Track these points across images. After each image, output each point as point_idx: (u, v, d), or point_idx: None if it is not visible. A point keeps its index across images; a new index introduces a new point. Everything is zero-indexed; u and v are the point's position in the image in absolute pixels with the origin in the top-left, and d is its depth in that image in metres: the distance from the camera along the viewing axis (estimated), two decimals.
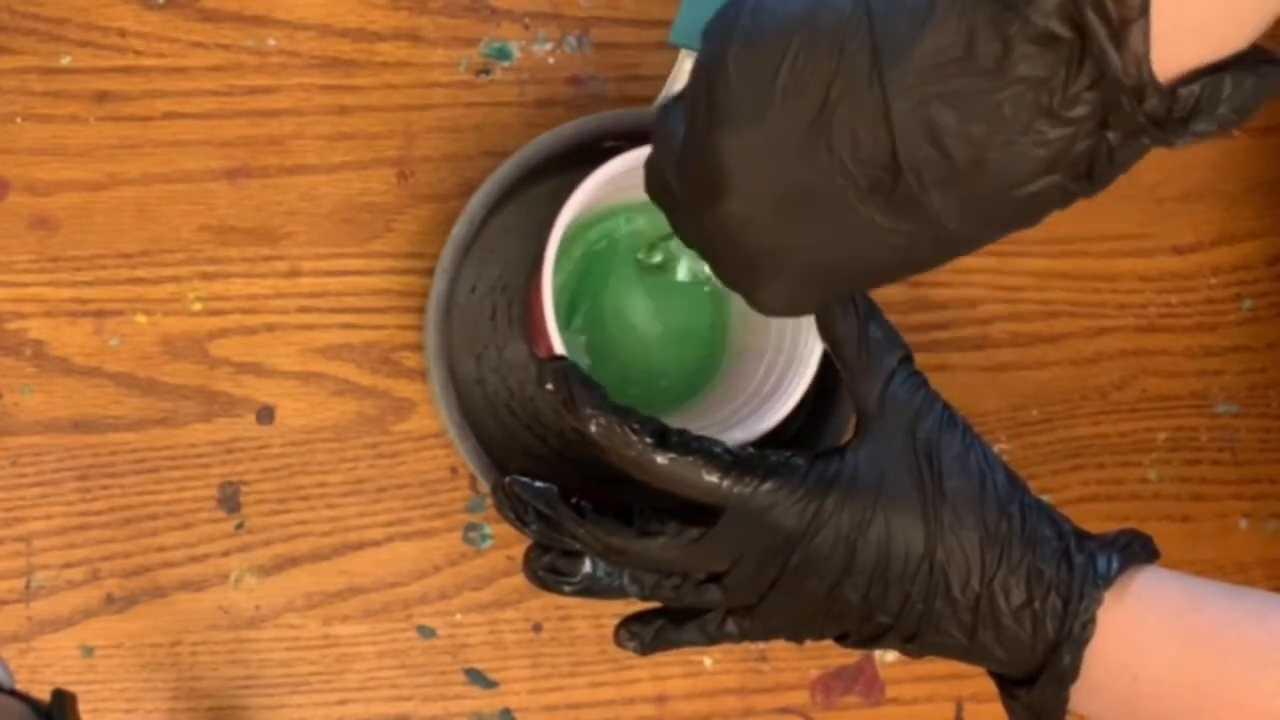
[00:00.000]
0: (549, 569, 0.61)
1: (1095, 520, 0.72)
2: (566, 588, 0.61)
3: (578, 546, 0.61)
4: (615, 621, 0.63)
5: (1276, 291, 0.78)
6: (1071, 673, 0.58)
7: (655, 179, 0.57)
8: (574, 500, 0.61)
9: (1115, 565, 0.58)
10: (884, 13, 0.49)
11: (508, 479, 0.61)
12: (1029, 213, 0.50)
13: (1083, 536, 0.60)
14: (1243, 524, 0.77)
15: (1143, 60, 0.46)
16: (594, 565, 0.61)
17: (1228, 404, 0.78)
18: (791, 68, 0.50)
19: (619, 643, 0.62)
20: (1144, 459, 0.77)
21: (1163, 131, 0.47)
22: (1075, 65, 0.46)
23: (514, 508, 0.61)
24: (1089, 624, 0.57)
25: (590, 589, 0.61)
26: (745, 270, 0.55)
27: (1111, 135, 0.48)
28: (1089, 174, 0.49)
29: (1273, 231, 0.79)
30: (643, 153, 0.63)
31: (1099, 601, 0.58)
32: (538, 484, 0.61)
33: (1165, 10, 0.46)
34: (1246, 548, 0.77)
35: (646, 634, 0.62)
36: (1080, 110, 0.47)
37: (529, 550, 0.62)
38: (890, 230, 0.51)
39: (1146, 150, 0.49)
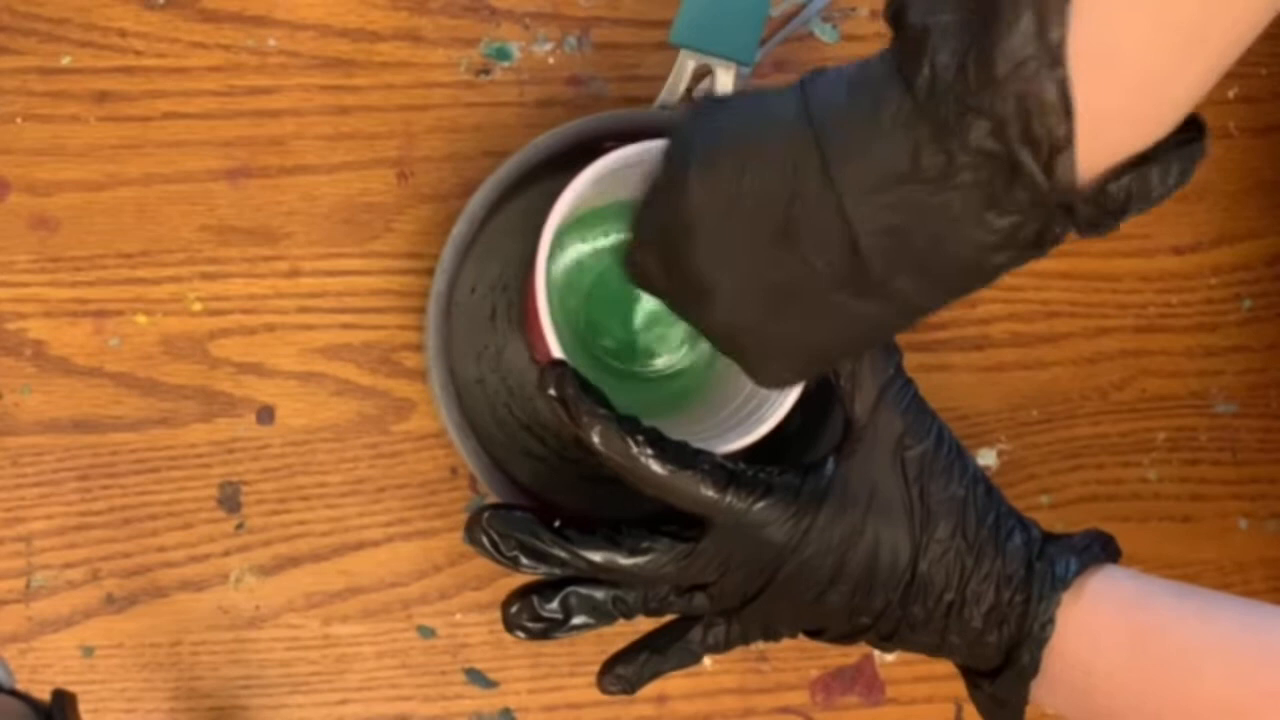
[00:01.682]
0: (533, 619, 0.62)
1: (1095, 520, 0.73)
2: (557, 634, 0.63)
3: (560, 572, 0.62)
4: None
5: (1276, 291, 0.78)
6: (1031, 669, 0.61)
7: (634, 269, 0.60)
8: (556, 524, 0.62)
9: (1074, 567, 0.61)
10: (829, 125, 0.52)
11: (485, 515, 0.62)
12: (987, 279, 0.53)
13: (1047, 540, 0.62)
14: (1243, 524, 0.77)
15: (1070, 185, 0.48)
16: (572, 609, 0.62)
17: (1228, 404, 0.78)
18: (750, 180, 0.54)
19: (604, 690, 0.64)
20: (1144, 459, 0.77)
21: (1098, 229, 0.50)
22: (1012, 172, 0.49)
23: (491, 542, 0.62)
24: (1048, 624, 0.61)
25: (576, 629, 0.63)
26: (743, 357, 0.58)
27: (1050, 222, 0.50)
28: (1039, 245, 0.51)
29: (1273, 231, 0.79)
30: (632, 150, 0.63)
31: (1058, 603, 0.61)
32: (517, 513, 0.62)
33: (1091, 107, 0.48)
34: (1246, 548, 0.77)
35: (631, 673, 0.64)
36: (1023, 201, 0.49)
37: (506, 602, 0.63)
38: (862, 312, 0.54)
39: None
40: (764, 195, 0.53)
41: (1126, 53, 0.47)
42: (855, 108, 0.51)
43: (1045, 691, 0.62)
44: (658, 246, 0.58)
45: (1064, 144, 0.48)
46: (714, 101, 0.57)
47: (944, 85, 0.48)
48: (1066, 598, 0.61)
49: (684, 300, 0.58)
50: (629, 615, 0.63)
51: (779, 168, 0.53)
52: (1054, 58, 0.46)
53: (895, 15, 0.50)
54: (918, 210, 0.50)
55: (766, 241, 0.53)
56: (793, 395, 0.65)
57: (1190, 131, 0.50)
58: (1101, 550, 0.62)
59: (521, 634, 0.63)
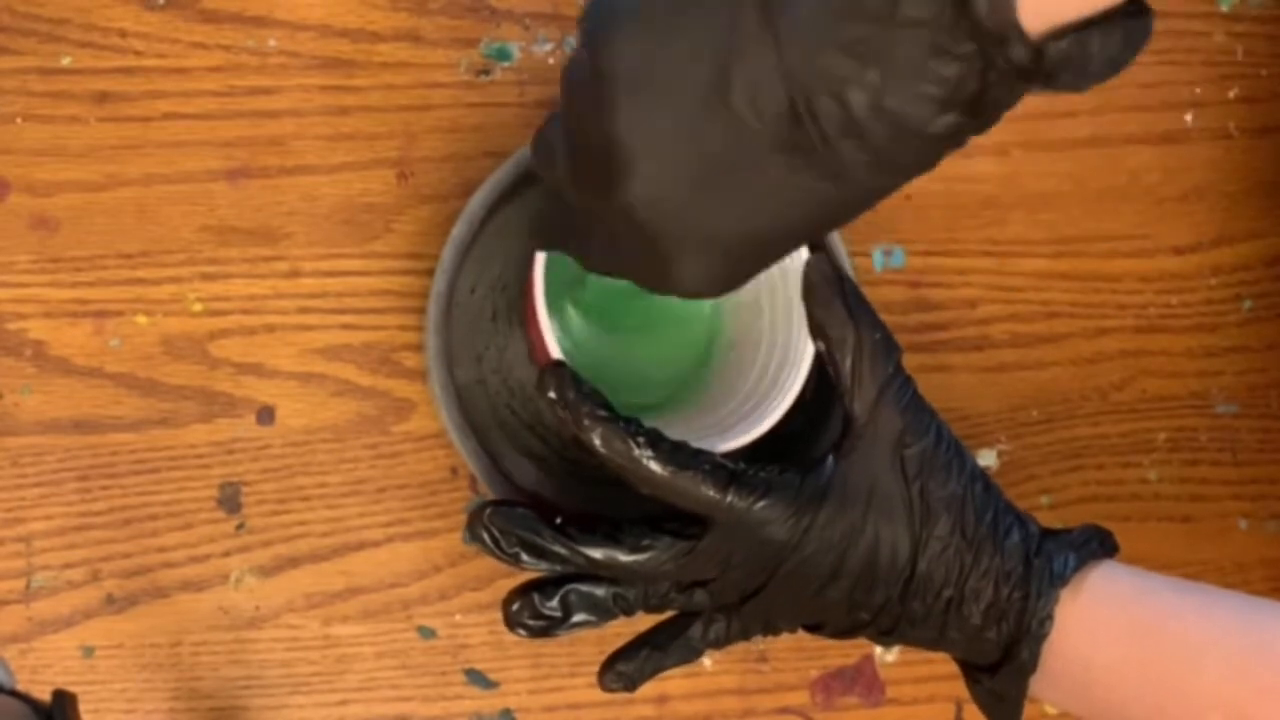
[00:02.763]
0: (534, 616, 0.62)
1: (1095, 521, 0.72)
2: (558, 631, 0.63)
3: (560, 569, 0.62)
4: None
5: (1276, 292, 0.78)
6: (1030, 665, 0.61)
7: (543, 222, 0.58)
8: (558, 521, 0.62)
9: (1072, 563, 0.61)
10: None
11: (488, 511, 0.62)
12: (929, 154, 0.50)
13: (1046, 536, 0.62)
14: (1243, 524, 0.77)
15: (1006, 10, 0.46)
16: (573, 606, 0.62)
17: (1228, 404, 0.78)
18: (681, 31, 0.50)
19: (605, 687, 0.64)
20: (1144, 459, 0.77)
21: (1030, 82, 0.48)
22: (957, 6, 0.47)
23: (492, 539, 0.62)
24: (1046, 621, 0.61)
25: (577, 626, 0.63)
26: (661, 258, 0.53)
27: (991, 77, 0.48)
28: (980, 112, 0.49)
29: (1273, 231, 0.79)
30: None
31: (1056, 599, 0.61)
32: (518, 510, 0.62)
33: None
34: (1246, 548, 0.77)
35: (632, 670, 0.64)
36: (968, 47, 0.47)
37: (507, 600, 0.63)
38: (801, 187, 0.50)
39: (1022, 93, 0.49)
40: (696, 48, 0.49)
41: None
42: None
43: (1044, 687, 0.62)
44: (573, 115, 0.53)
45: None
46: None
47: None
48: (1065, 594, 0.61)
49: (596, 193, 0.52)
50: (629, 612, 0.63)
51: (713, 17, 0.49)
52: None
53: None
54: (859, 55, 0.47)
55: (697, 100, 0.49)
56: (792, 392, 0.65)
57: (1136, 7, 0.48)
58: (1099, 546, 0.63)
59: (523, 632, 0.63)
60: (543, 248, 0.59)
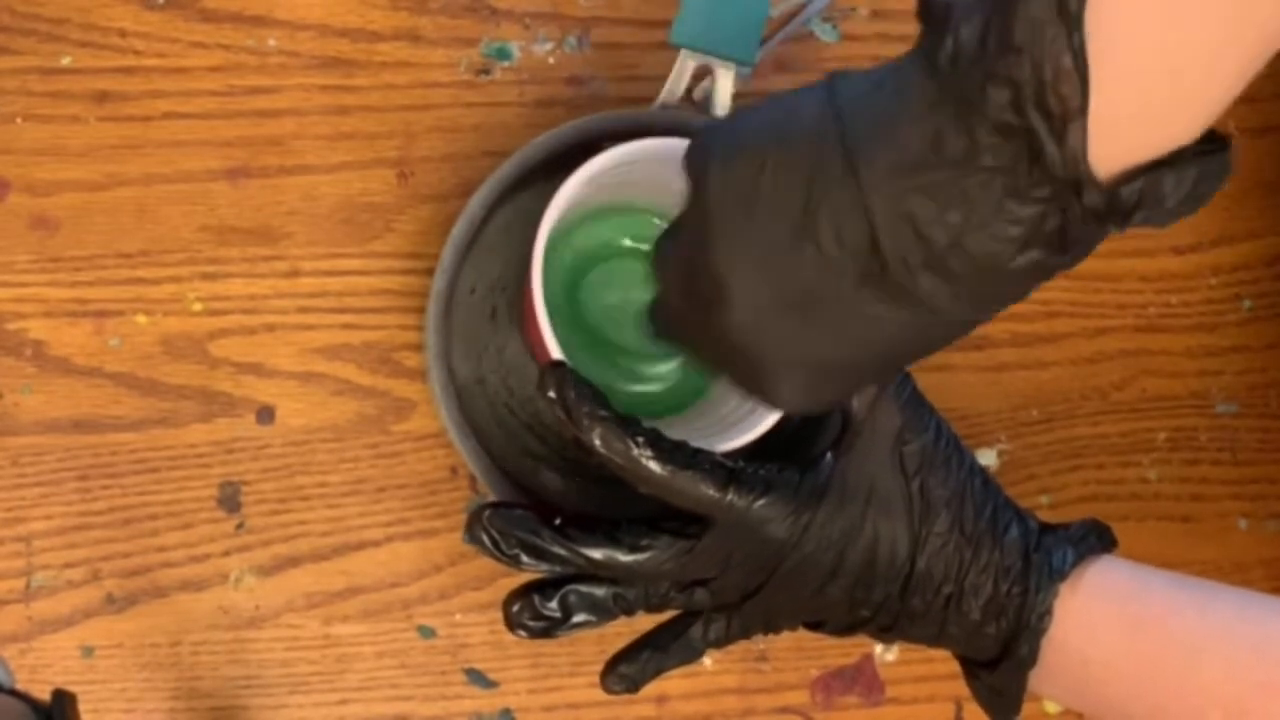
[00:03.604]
0: (534, 617, 0.63)
1: None
2: (558, 632, 0.63)
3: (560, 570, 0.62)
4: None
5: (1276, 291, 0.78)
6: (1029, 660, 0.62)
7: (660, 317, 0.59)
8: (557, 522, 0.62)
9: (1071, 559, 0.62)
10: (853, 116, 0.51)
11: (487, 513, 0.62)
12: (1015, 288, 0.52)
13: (1044, 531, 0.63)
14: (1243, 524, 0.77)
15: (1080, 157, 0.47)
16: (573, 607, 0.63)
17: (1228, 404, 0.78)
18: (771, 173, 0.52)
19: (608, 689, 0.65)
20: (1144, 459, 0.77)
21: (1107, 223, 0.49)
22: (1032, 153, 0.48)
23: (492, 540, 0.62)
24: (1045, 616, 0.61)
25: (577, 627, 0.63)
26: (760, 376, 0.56)
27: (1070, 218, 0.49)
28: (1064, 249, 0.50)
29: (1273, 231, 0.79)
30: (623, 150, 0.63)
31: (1055, 594, 0.61)
32: (517, 512, 0.62)
33: (1112, 104, 0.47)
34: (1246, 548, 0.77)
35: (634, 671, 0.64)
36: (1044, 191, 0.48)
37: (507, 601, 0.63)
38: (887, 319, 0.52)
39: (1109, 232, 0.50)
40: (785, 189, 0.52)
41: (1143, 39, 0.47)
42: (879, 96, 0.51)
43: (1043, 681, 0.62)
44: (678, 258, 0.56)
45: (1076, 113, 0.47)
46: (740, 110, 0.56)
47: (966, 59, 0.48)
48: (1064, 589, 0.61)
49: (700, 313, 0.56)
50: (630, 612, 0.63)
51: (800, 161, 0.52)
52: (1072, 25, 0.46)
53: (921, 2, 0.50)
54: (939, 198, 0.49)
55: (786, 237, 0.52)
56: None
57: (1214, 144, 0.49)
58: (1098, 541, 0.63)
59: (523, 633, 0.63)
60: (658, 337, 0.61)
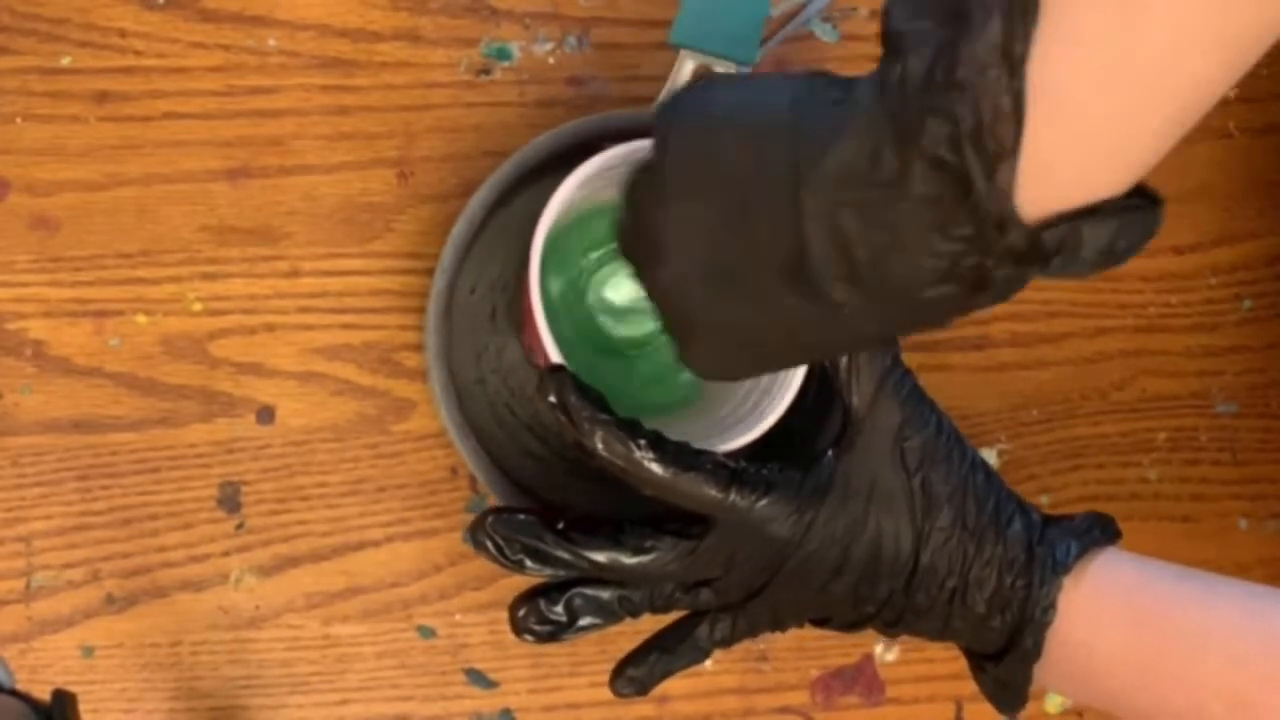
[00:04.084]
0: (540, 621, 0.63)
1: None
2: (565, 635, 0.63)
3: (565, 573, 0.62)
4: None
5: (1276, 291, 0.79)
6: (1034, 653, 0.62)
7: (620, 238, 0.60)
8: (559, 526, 0.62)
9: (1074, 551, 0.62)
10: (809, 120, 0.52)
11: (490, 519, 0.62)
12: (929, 315, 0.53)
13: (1047, 524, 0.63)
14: (1243, 524, 0.77)
15: (1006, 196, 0.48)
16: (578, 610, 0.63)
17: (1228, 404, 0.78)
18: (722, 156, 0.54)
19: (617, 693, 0.65)
20: (1144, 459, 0.77)
21: (1027, 266, 0.50)
22: (960, 189, 0.49)
23: (496, 546, 0.62)
24: (1049, 609, 0.61)
25: (583, 630, 0.63)
26: (681, 333, 0.58)
27: (988, 259, 0.50)
28: (981, 288, 0.51)
29: (1273, 231, 0.79)
30: (618, 151, 0.63)
31: (1059, 587, 0.62)
32: (520, 516, 0.62)
33: (1044, 148, 0.48)
34: (1246, 548, 0.77)
35: (643, 674, 0.65)
36: (966, 230, 0.49)
37: (513, 606, 0.63)
38: (800, 314, 0.53)
39: (1028, 278, 0.51)
40: (735, 170, 0.53)
41: (1080, 94, 0.48)
42: (833, 105, 0.52)
43: (1048, 674, 0.62)
44: (636, 200, 0.58)
45: (1009, 153, 0.48)
46: (722, 76, 0.57)
47: (912, 87, 0.49)
48: (1067, 582, 0.62)
49: (641, 259, 0.57)
50: (635, 614, 0.63)
51: (753, 150, 0.53)
52: (1014, 70, 0.47)
53: (882, 22, 0.51)
54: (867, 217, 0.50)
55: (723, 216, 0.54)
56: (792, 390, 0.65)
57: (1143, 200, 0.50)
58: (1101, 533, 0.63)
59: (530, 637, 0.63)
60: (620, 252, 0.61)
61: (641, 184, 0.57)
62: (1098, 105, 0.48)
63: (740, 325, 0.55)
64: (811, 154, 0.51)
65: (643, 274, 0.58)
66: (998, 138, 0.48)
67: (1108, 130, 0.49)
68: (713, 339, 0.57)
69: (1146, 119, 0.49)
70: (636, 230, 0.58)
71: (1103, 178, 0.49)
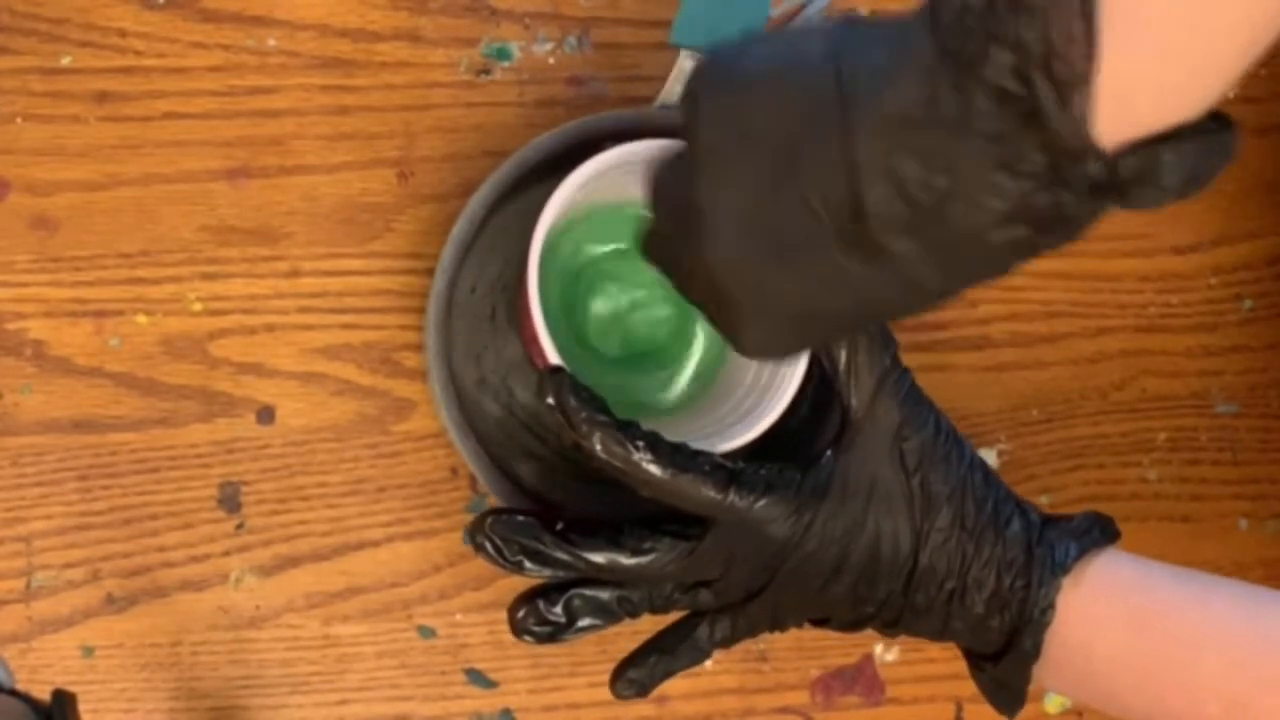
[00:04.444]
0: (540, 622, 0.63)
1: None
2: (564, 636, 0.63)
3: (564, 574, 0.62)
4: None
5: (1276, 291, 0.78)
6: (1033, 654, 0.62)
7: (651, 245, 0.59)
8: (558, 527, 0.62)
9: (1073, 552, 0.62)
10: (852, 69, 0.50)
11: (489, 520, 0.62)
12: (993, 262, 0.51)
13: (1046, 524, 0.63)
14: (1243, 524, 0.77)
15: (1082, 124, 0.46)
16: (578, 611, 0.63)
17: (1228, 404, 0.78)
18: (764, 113, 0.51)
19: (618, 695, 0.65)
20: (1144, 459, 0.77)
21: (1104, 197, 0.48)
22: (1028, 122, 0.47)
23: (495, 548, 0.62)
24: (1048, 610, 0.61)
25: (583, 630, 0.63)
26: (728, 315, 0.55)
27: (1063, 194, 0.48)
28: (1051, 228, 0.49)
29: (1273, 231, 0.79)
30: (618, 152, 0.63)
31: (1058, 588, 0.61)
32: (519, 518, 0.62)
33: (1118, 72, 0.46)
34: (1246, 548, 0.77)
35: (643, 676, 0.64)
36: (1033, 166, 0.47)
37: (513, 607, 0.63)
38: (859, 276, 0.51)
39: (1102, 211, 0.49)
40: (775, 130, 0.51)
41: (1156, 12, 0.46)
42: (881, 49, 0.49)
43: (1047, 674, 0.62)
44: (667, 177, 0.56)
45: (1082, 79, 0.46)
46: (744, 36, 0.55)
47: (972, 16, 0.46)
48: (1066, 583, 0.61)
49: (679, 237, 0.55)
50: (635, 615, 0.63)
51: (794, 103, 0.51)
52: None
53: None
54: (927, 160, 0.48)
55: (770, 177, 0.51)
56: (790, 390, 0.65)
57: (1217, 125, 0.48)
58: (1100, 533, 0.63)
59: (530, 638, 0.63)
60: (646, 258, 0.60)
61: (673, 165, 0.55)
62: (1175, 25, 0.46)
63: (793, 296, 0.53)
64: (861, 100, 0.49)
65: (678, 264, 0.56)
66: (1070, 63, 0.45)
67: (1186, 50, 0.46)
68: (764, 316, 0.54)
69: (1225, 37, 0.47)
70: (671, 214, 0.56)
71: (1181, 101, 0.47)
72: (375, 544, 0.71)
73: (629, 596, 0.63)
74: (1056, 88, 0.46)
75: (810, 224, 0.51)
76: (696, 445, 0.62)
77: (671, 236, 0.56)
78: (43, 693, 0.55)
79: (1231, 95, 0.79)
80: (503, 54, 0.74)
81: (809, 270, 0.52)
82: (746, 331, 0.55)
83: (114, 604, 0.69)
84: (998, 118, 0.47)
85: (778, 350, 0.57)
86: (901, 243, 0.50)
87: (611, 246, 0.70)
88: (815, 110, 0.50)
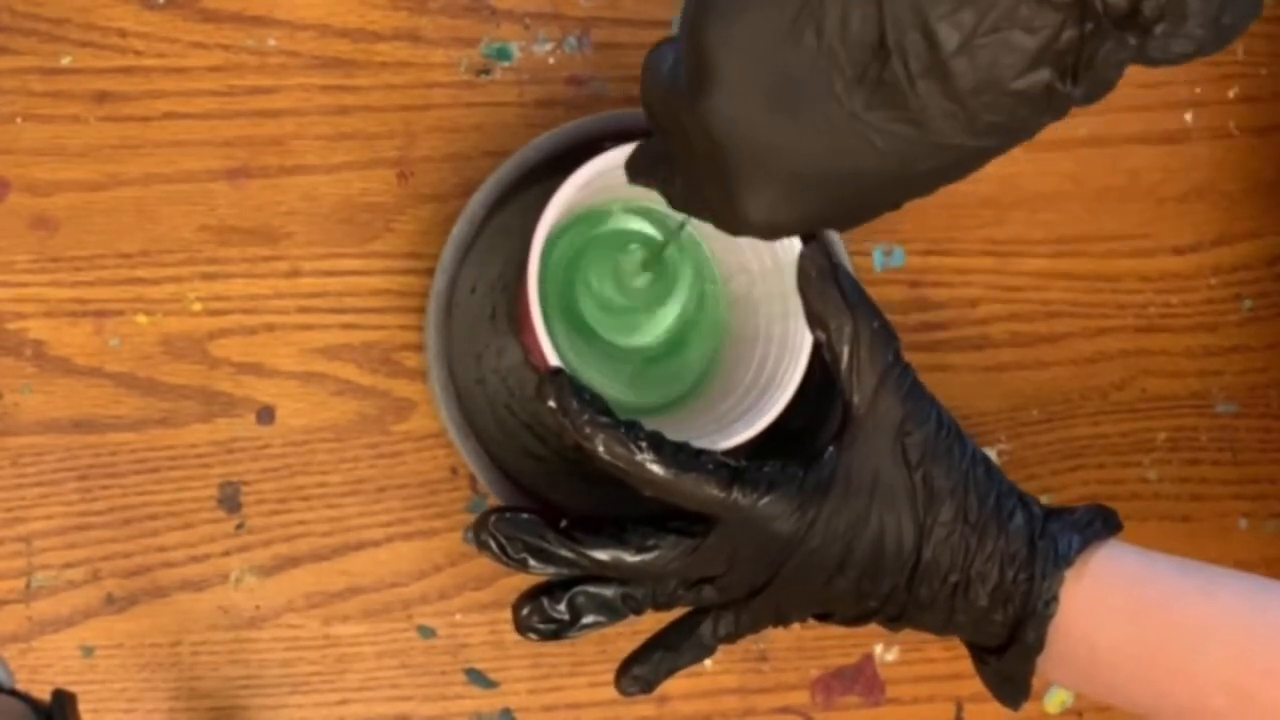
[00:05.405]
0: (544, 620, 0.63)
1: None
2: (569, 633, 0.63)
3: (568, 572, 0.62)
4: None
5: (1276, 291, 0.78)
6: (1036, 646, 0.62)
7: (638, 154, 0.57)
8: (562, 525, 0.62)
9: (1076, 545, 0.62)
10: None
11: (492, 518, 0.62)
12: (1016, 116, 0.49)
13: (1049, 517, 0.63)
14: (1243, 524, 0.77)
15: None
16: (582, 608, 0.63)
17: (1228, 404, 0.78)
18: None
19: (623, 691, 0.65)
20: (1144, 459, 0.77)
21: (1127, 33, 0.46)
22: None
23: (499, 545, 0.62)
24: (1051, 602, 0.61)
25: (587, 628, 0.63)
26: (732, 181, 0.53)
27: (1090, 28, 0.47)
28: (1074, 73, 0.48)
29: (1273, 231, 0.79)
30: (618, 152, 0.63)
31: (1061, 580, 0.61)
32: (523, 516, 0.62)
33: None
34: (1246, 548, 0.77)
35: (647, 672, 0.65)
36: None
37: (517, 605, 0.63)
38: (876, 128, 0.49)
39: (1126, 61, 0.47)
40: None
41: None
42: None
43: (1050, 666, 0.62)
44: (685, 22, 0.52)
45: None
46: None
47: None
48: (1069, 575, 0.62)
49: (683, 100, 0.52)
50: (639, 611, 0.63)
51: None
52: None
53: None
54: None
55: (788, 19, 0.49)
56: (792, 386, 0.65)
57: None
58: (1103, 525, 0.63)
59: (534, 636, 0.63)
60: (634, 178, 0.59)
61: (686, 7, 0.52)
62: None
63: (808, 154, 0.51)
64: None
65: (681, 129, 0.53)
66: None
67: None
68: (771, 179, 0.52)
69: None
70: (674, 71, 0.53)
71: None
72: (375, 544, 0.71)
73: (633, 593, 0.63)
74: None
75: (828, 69, 0.49)
76: (698, 443, 0.62)
77: (664, 115, 0.54)
78: (43, 693, 0.55)
79: (1231, 95, 0.79)
80: (503, 54, 0.74)
81: (823, 120, 0.50)
82: (752, 199, 0.52)
83: (114, 604, 0.69)
84: None
85: (784, 220, 0.53)
86: (923, 87, 0.48)
87: (612, 246, 0.70)
88: None
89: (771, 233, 0.54)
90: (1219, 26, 0.47)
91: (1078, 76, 0.48)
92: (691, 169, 0.55)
